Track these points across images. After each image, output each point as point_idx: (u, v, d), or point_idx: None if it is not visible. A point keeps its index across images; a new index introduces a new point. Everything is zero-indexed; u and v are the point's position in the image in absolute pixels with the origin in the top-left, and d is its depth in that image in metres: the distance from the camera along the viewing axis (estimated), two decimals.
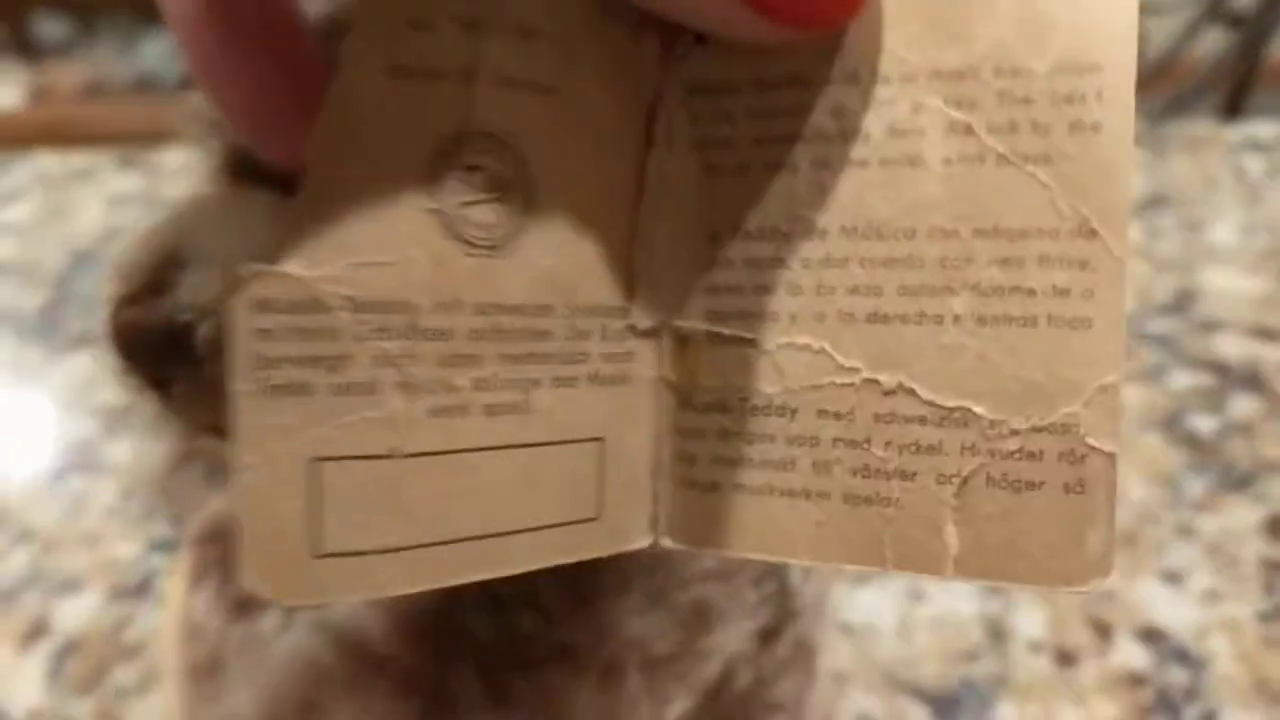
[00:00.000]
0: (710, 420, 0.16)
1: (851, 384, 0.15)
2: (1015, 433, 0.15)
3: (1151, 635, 0.36)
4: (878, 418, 0.15)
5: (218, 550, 0.31)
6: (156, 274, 0.16)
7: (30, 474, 0.43)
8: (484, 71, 0.14)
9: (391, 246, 0.14)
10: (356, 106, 0.13)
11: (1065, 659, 0.35)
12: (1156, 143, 0.60)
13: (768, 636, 0.22)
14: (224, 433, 0.17)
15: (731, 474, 0.16)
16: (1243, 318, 0.49)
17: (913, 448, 0.15)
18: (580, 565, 0.18)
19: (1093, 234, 0.14)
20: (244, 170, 0.18)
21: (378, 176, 0.14)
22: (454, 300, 0.14)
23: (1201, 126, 0.62)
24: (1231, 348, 0.47)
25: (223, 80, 0.14)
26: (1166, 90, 0.89)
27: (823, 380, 0.15)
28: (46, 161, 0.63)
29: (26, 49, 1.85)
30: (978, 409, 0.15)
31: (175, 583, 0.32)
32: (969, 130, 0.15)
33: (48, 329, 0.51)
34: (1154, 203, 0.56)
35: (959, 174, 0.15)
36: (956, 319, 0.15)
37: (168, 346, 0.16)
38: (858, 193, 0.15)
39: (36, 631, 0.37)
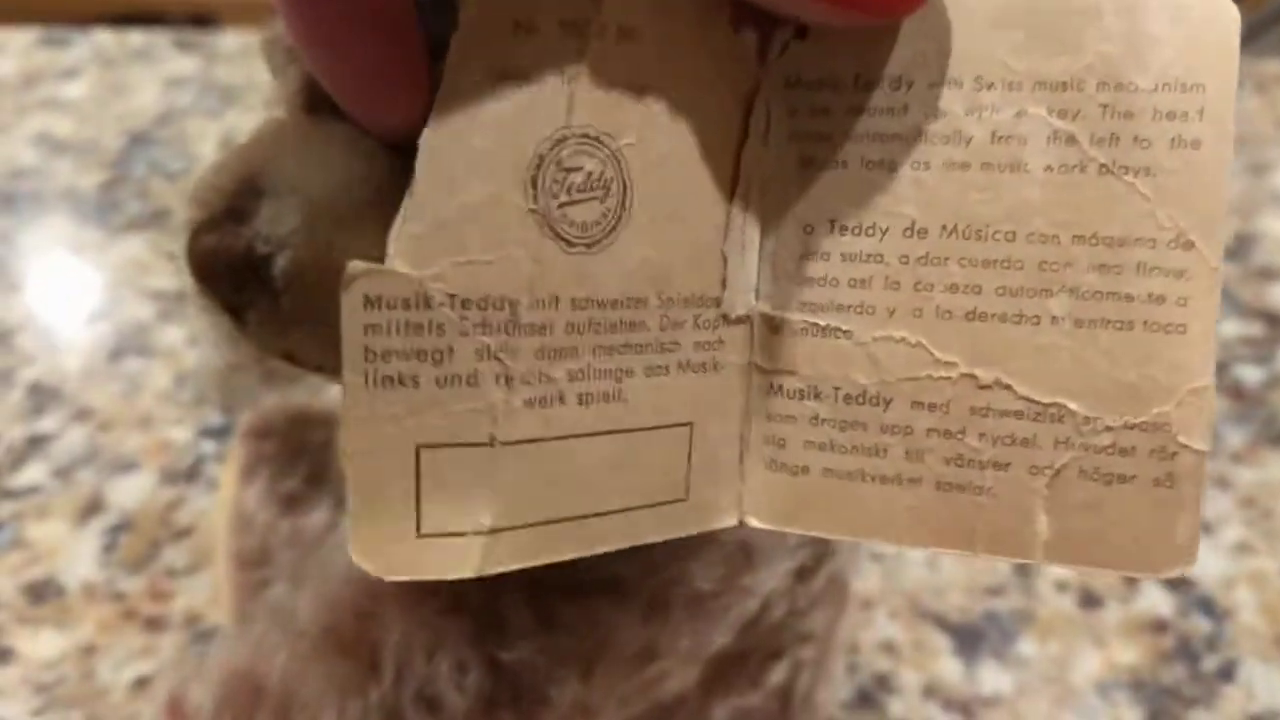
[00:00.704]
0: (803, 407, 0.17)
1: (949, 377, 0.16)
2: (1109, 429, 0.15)
3: (1178, 583, 0.36)
4: (973, 410, 0.16)
5: (270, 445, 0.32)
6: (235, 200, 0.17)
7: (87, 354, 0.45)
8: (583, 74, 0.15)
9: (494, 246, 0.14)
10: (463, 109, 0.14)
11: (1090, 600, 0.36)
12: None
13: (804, 573, 0.22)
14: (296, 359, 0.18)
15: (823, 458, 0.16)
16: None
17: (1007, 439, 0.16)
18: None
19: (1190, 245, 0.15)
20: (321, 100, 0.18)
21: (482, 178, 0.14)
22: (552, 296, 0.15)
23: (1275, 63, 0.60)
24: None
25: (333, 54, 0.15)
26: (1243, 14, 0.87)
27: (919, 373, 0.16)
28: (104, 39, 0.63)
29: None
30: (1072, 405, 0.16)
31: (228, 472, 0.33)
32: (1072, 139, 0.15)
33: (104, 210, 0.52)
34: None
35: (1060, 181, 0.15)
36: (1054, 320, 0.16)
37: (245, 275, 0.16)
38: (958, 194, 0.16)
39: (92, 508, 0.39)
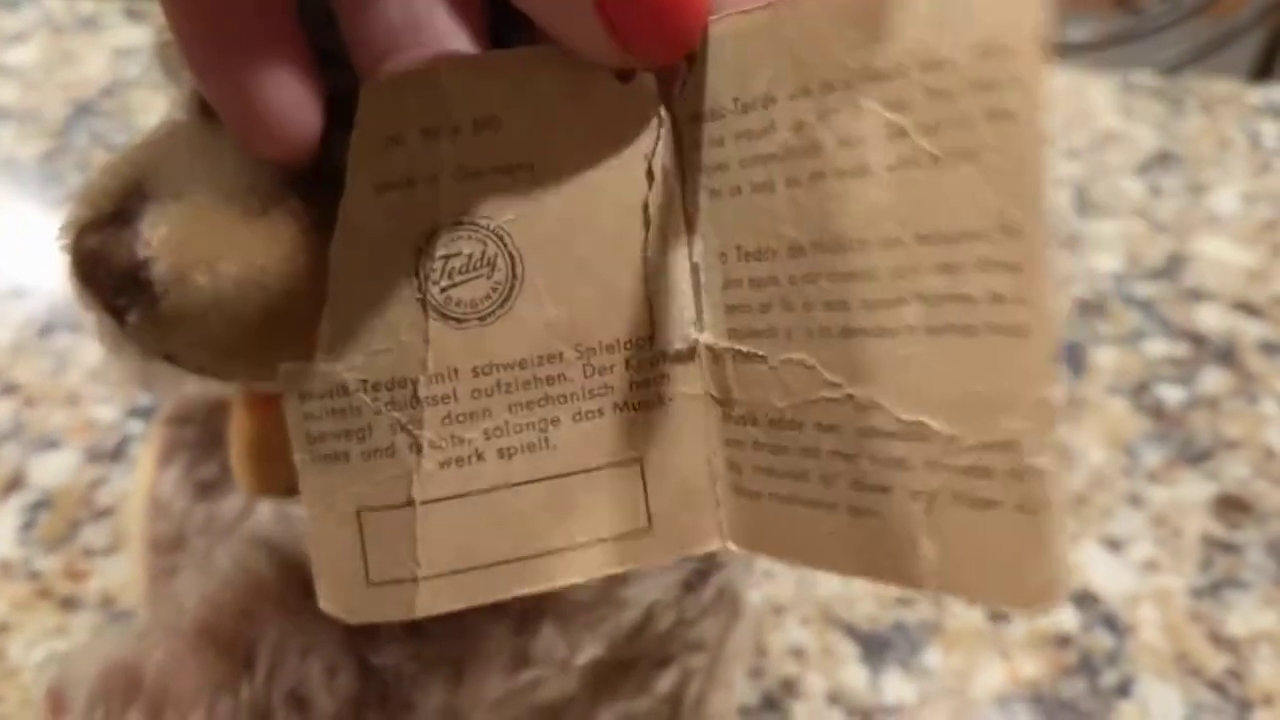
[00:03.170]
0: (746, 432, 0.17)
1: (837, 399, 0.16)
2: (969, 449, 0.14)
3: (1085, 599, 0.37)
4: (860, 432, 0.15)
5: (189, 431, 0.32)
6: (120, 203, 0.17)
7: (19, 327, 0.44)
8: (444, 171, 0.16)
9: (391, 334, 0.16)
10: (354, 222, 0.16)
11: (998, 614, 0.36)
12: (1173, 97, 0.60)
13: (691, 584, 0.23)
14: (177, 361, 0.18)
15: (768, 483, 0.17)
16: (1229, 289, 0.49)
17: (889, 462, 0.15)
18: None
19: (1017, 232, 0.14)
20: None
21: (375, 278, 0.16)
22: (450, 369, 0.16)
23: (1223, 84, 0.61)
24: (1212, 319, 0.47)
25: (223, 93, 0.16)
26: (1217, 19, 0.88)
27: (816, 395, 0.16)
28: (54, 4, 0.62)
29: None
30: (934, 424, 0.15)
31: (145, 456, 0.33)
32: (903, 133, 0.15)
33: (45, 180, 0.51)
34: (1160, 160, 0.56)
35: (900, 179, 0.15)
36: (910, 330, 0.15)
37: (125, 278, 0.16)
38: (820, 206, 0.15)
39: (13, 484, 0.39)
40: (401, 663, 0.18)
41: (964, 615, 0.36)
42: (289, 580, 0.19)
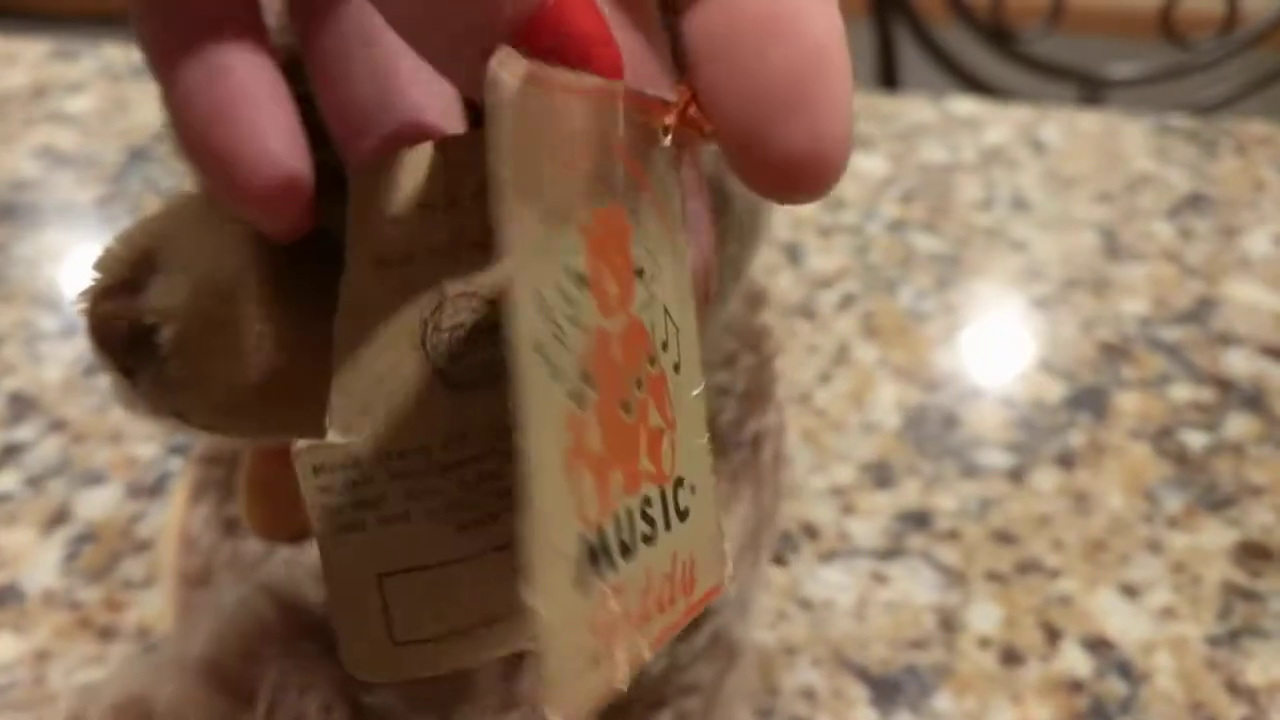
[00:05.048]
0: None
1: None
2: None
3: (1099, 645, 0.37)
4: None
5: (219, 471, 0.33)
6: (132, 271, 0.18)
7: (66, 366, 0.46)
8: (444, 243, 0.17)
9: (401, 406, 0.17)
10: (356, 299, 0.17)
11: (1011, 658, 0.37)
12: (1208, 138, 0.60)
13: (682, 632, 0.23)
14: (184, 419, 0.19)
15: None
16: (1259, 334, 0.49)
17: None
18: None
19: None
20: None
21: (382, 352, 0.17)
22: (461, 435, 0.17)
23: (1259, 126, 0.61)
24: (1240, 364, 0.47)
25: (217, 179, 0.17)
26: (1269, 54, 0.88)
27: None
28: (112, 53, 0.65)
29: None
30: None
31: (179, 493, 0.34)
32: None
33: (101, 223, 0.54)
34: (1192, 203, 0.56)
35: None
36: None
37: (135, 342, 0.18)
38: None
39: (59, 518, 0.40)
40: (392, 703, 0.19)
41: (976, 659, 0.36)
42: (290, 623, 0.20)
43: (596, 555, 0.14)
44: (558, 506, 0.13)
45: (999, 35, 0.94)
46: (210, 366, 0.18)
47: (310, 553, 0.21)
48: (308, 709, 0.19)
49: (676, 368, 0.16)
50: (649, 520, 0.15)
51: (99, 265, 0.19)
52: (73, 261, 0.52)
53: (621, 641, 0.15)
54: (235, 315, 0.18)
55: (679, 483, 0.16)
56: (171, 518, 0.34)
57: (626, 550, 0.14)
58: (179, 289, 0.18)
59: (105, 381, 0.45)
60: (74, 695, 0.21)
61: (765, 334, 0.24)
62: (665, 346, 0.16)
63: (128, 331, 0.18)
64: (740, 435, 0.24)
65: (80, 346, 0.47)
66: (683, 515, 0.16)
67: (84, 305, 0.19)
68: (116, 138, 0.59)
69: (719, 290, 0.21)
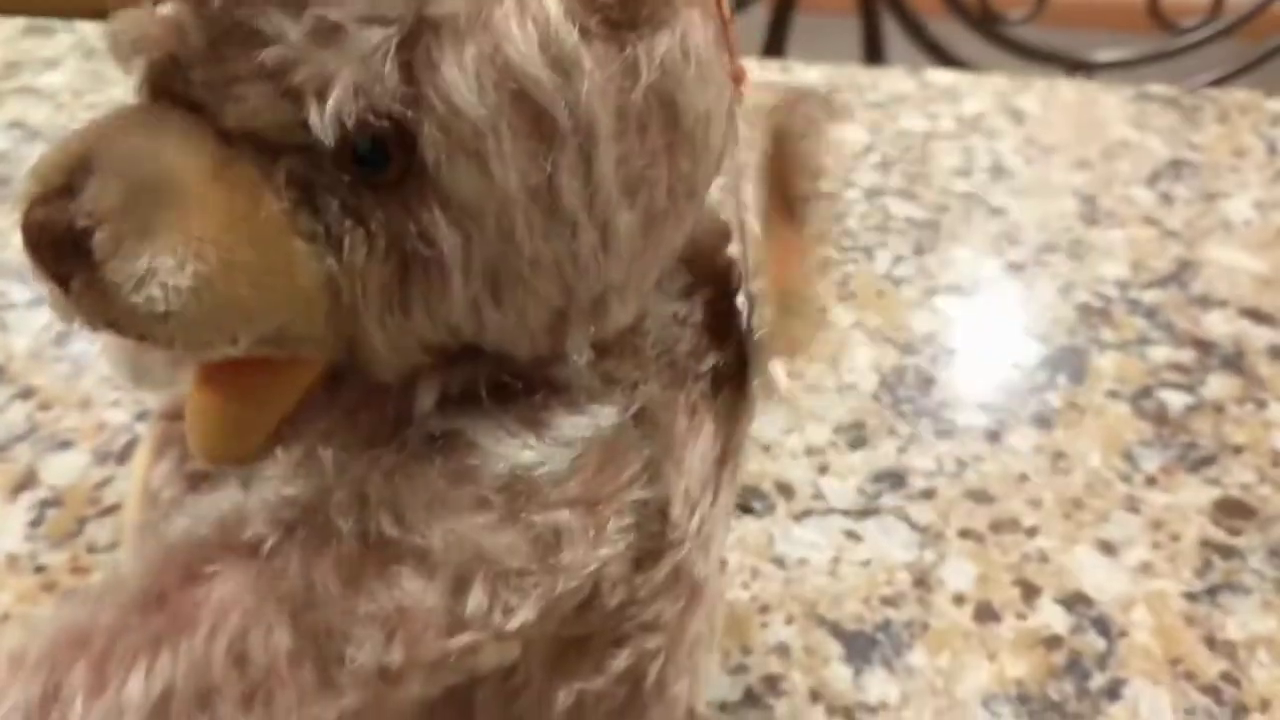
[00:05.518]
0: None
1: None
2: None
3: (1075, 601, 0.37)
4: None
5: (180, 427, 0.33)
6: (68, 177, 0.18)
7: (36, 334, 0.46)
8: None
9: None
10: None
11: (987, 614, 0.36)
12: (1189, 106, 0.59)
13: (641, 562, 0.23)
14: (119, 328, 0.18)
15: None
16: (1239, 296, 0.48)
17: None
18: (444, 481, 0.20)
19: None
20: (162, 90, 0.19)
21: None
22: None
23: (1241, 94, 0.61)
24: (1220, 326, 0.47)
25: None
26: (1260, 39, 0.87)
27: None
28: (87, 30, 0.64)
29: None
30: None
31: (141, 451, 0.34)
32: None
33: None
34: (1173, 168, 0.55)
35: None
36: None
37: (68, 247, 0.17)
38: None
39: (25, 483, 0.40)
40: (336, 619, 0.19)
41: (952, 616, 0.36)
42: (230, 546, 0.20)
43: None
44: None
45: (985, 20, 0.93)
46: (143, 271, 0.17)
47: (258, 487, 0.21)
48: (250, 629, 0.19)
49: None
50: None
51: (34, 171, 0.18)
52: None
53: None
54: (176, 219, 0.17)
55: None
56: (134, 475, 0.34)
57: None
58: (114, 192, 0.17)
59: (75, 350, 0.44)
60: (14, 632, 0.21)
61: (729, 268, 0.24)
62: None
63: (61, 236, 0.17)
64: (699, 367, 0.24)
65: (49, 314, 0.46)
66: None
67: (19, 213, 0.18)
68: (89, 112, 0.58)
69: (668, 208, 0.20)
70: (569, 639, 0.23)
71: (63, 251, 0.18)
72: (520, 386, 0.21)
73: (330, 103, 0.17)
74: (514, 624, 0.20)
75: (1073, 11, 1.25)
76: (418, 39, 0.17)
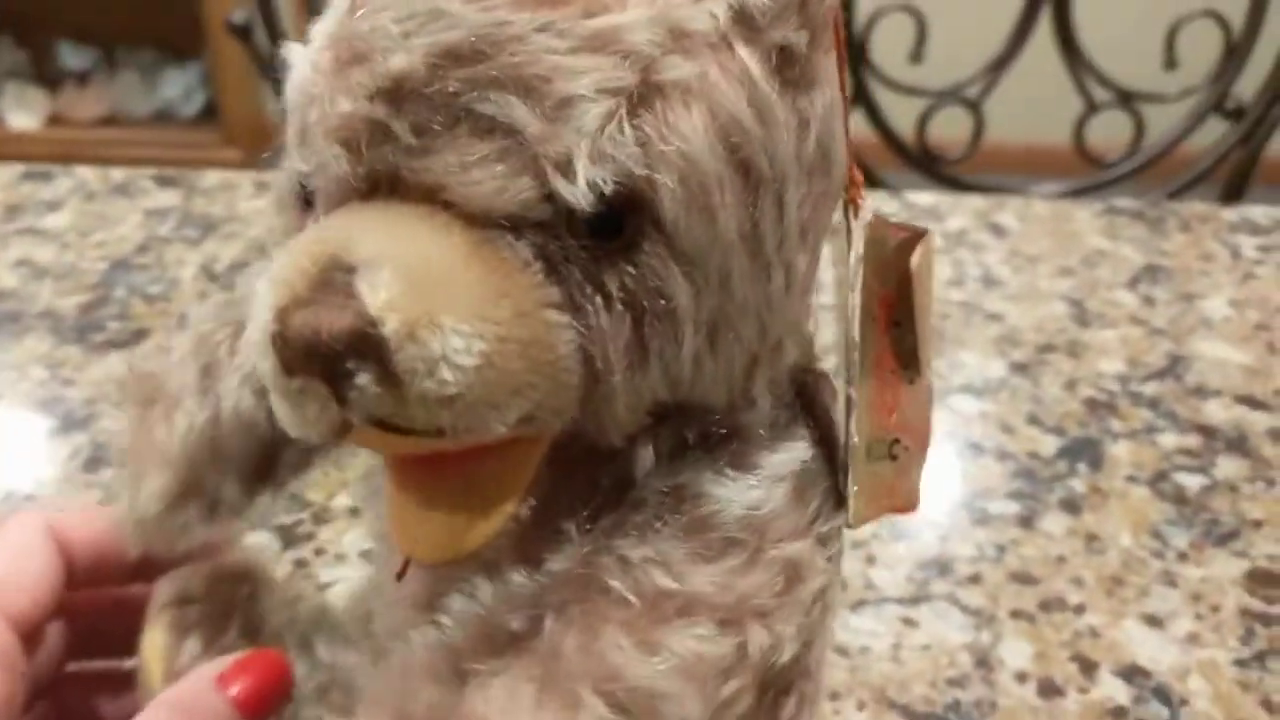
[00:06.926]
0: None
1: None
2: None
3: (1133, 672, 0.37)
4: None
5: (195, 610, 0.29)
6: (323, 277, 0.17)
7: (64, 462, 0.45)
8: None
9: None
10: None
11: (1051, 690, 0.37)
12: (1154, 217, 0.63)
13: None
14: (399, 425, 0.18)
15: None
16: (1231, 385, 0.51)
17: None
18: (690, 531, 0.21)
19: None
20: (374, 186, 0.19)
21: None
22: None
23: (1200, 206, 0.65)
24: (1219, 412, 0.49)
25: None
26: (1167, 179, 0.92)
27: None
28: (86, 174, 0.65)
29: (49, 77, 1.89)
30: None
31: (150, 640, 0.30)
32: None
33: (84, 329, 0.53)
34: (1148, 272, 0.58)
35: None
36: None
37: (350, 345, 0.17)
38: None
39: None
40: (638, 680, 0.19)
41: (1017, 693, 0.36)
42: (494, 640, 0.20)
43: None
44: None
45: (926, 159, 0.98)
46: (436, 356, 0.17)
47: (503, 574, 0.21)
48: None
49: None
50: None
51: (274, 286, 0.18)
52: (59, 365, 0.51)
53: None
54: (455, 297, 0.18)
55: None
56: (146, 664, 0.30)
57: None
58: (391, 282, 0.17)
59: (104, 477, 0.44)
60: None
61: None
62: None
63: (342, 333, 0.17)
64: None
65: (77, 442, 0.46)
66: None
67: (272, 329, 0.17)
68: (95, 249, 0.59)
69: (818, 251, 0.22)
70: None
71: (342, 352, 0.17)
72: (724, 434, 0.22)
73: (580, 173, 0.18)
74: (785, 658, 0.20)
75: (1003, 156, 1.31)
76: (649, 103, 0.18)
